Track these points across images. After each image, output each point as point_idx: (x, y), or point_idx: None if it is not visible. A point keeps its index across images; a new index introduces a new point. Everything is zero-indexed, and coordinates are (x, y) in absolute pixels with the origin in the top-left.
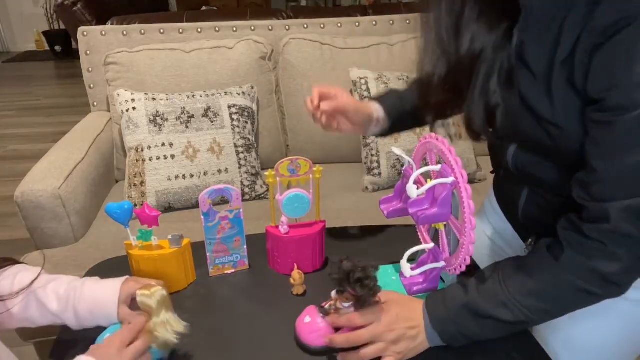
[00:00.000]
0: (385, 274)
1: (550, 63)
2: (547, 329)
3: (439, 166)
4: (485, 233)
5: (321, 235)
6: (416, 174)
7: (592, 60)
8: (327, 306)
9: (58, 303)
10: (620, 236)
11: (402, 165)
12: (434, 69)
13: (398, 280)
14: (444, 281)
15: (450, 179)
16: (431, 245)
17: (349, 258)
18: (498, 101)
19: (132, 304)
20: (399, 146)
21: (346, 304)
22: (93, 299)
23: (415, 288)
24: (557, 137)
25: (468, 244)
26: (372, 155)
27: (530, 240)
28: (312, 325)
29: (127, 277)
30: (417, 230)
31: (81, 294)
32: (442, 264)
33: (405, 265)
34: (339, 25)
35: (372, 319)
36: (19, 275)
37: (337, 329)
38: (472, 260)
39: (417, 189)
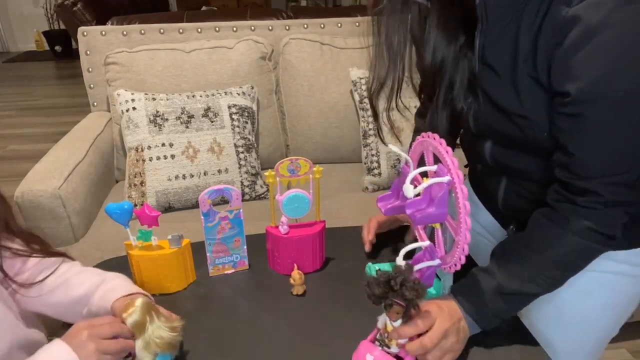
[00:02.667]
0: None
1: (514, 61)
2: (534, 311)
3: (436, 167)
4: None
5: (321, 235)
6: (412, 174)
7: (553, 57)
8: (379, 336)
9: (86, 288)
10: (612, 204)
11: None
12: (387, 73)
13: None
14: (439, 279)
15: (447, 178)
16: (427, 243)
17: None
18: (462, 106)
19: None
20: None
21: (396, 323)
22: (105, 293)
23: None
24: (526, 128)
25: (463, 244)
26: (372, 155)
27: (511, 227)
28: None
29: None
30: (414, 228)
31: (104, 285)
32: (437, 261)
33: (401, 262)
34: (339, 25)
35: (432, 318)
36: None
37: (399, 358)
38: (468, 258)
39: (414, 187)
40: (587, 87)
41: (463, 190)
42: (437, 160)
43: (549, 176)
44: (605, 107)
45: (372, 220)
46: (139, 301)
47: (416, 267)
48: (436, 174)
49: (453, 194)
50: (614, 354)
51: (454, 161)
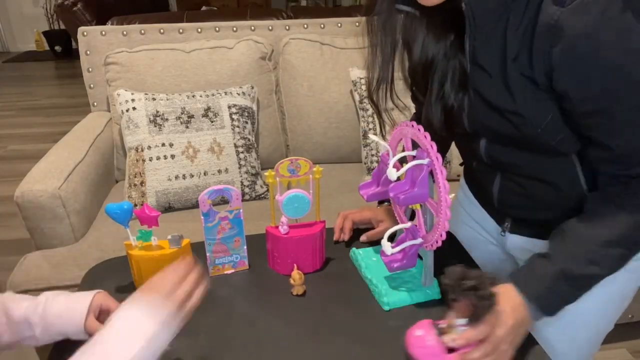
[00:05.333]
0: (366, 256)
1: (503, 62)
2: None
3: (415, 151)
4: (463, 221)
5: (321, 236)
6: (394, 159)
7: (552, 59)
8: (442, 325)
9: (27, 307)
10: None
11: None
12: (382, 72)
13: (379, 260)
14: (421, 258)
15: (427, 160)
16: (409, 224)
17: (464, 267)
18: (454, 103)
19: (101, 316)
20: (377, 134)
21: (461, 321)
22: (64, 303)
23: (395, 265)
24: (520, 125)
25: (444, 221)
26: (372, 155)
27: (506, 223)
28: (421, 341)
29: (97, 290)
30: (395, 212)
31: (53, 299)
32: (419, 240)
33: (386, 243)
34: (339, 25)
35: (489, 327)
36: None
37: (450, 350)
38: (448, 235)
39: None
40: (599, 82)
41: (442, 170)
42: (415, 146)
43: (543, 171)
44: (625, 97)
45: (348, 221)
46: None
47: (400, 247)
48: (416, 157)
49: (433, 175)
50: (614, 354)
51: (433, 145)
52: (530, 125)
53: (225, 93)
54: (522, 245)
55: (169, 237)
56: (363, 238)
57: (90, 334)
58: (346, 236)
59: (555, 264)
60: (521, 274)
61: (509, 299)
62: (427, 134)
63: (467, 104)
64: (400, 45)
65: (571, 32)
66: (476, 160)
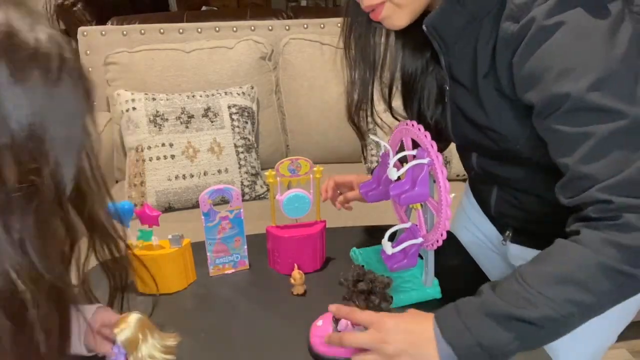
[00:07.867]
0: (367, 255)
1: (474, 78)
2: None
3: (415, 151)
4: (465, 227)
5: (321, 235)
6: (395, 158)
7: (512, 70)
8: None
9: None
10: (626, 209)
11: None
12: (360, 95)
13: (379, 260)
14: (422, 257)
15: (427, 160)
16: (409, 224)
17: (364, 269)
18: (430, 121)
19: (101, 330)
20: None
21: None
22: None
23: (395, 265)
24: (499, 140)
25: (444, 220)
26: (372, 155)
27: (507, 232)
28: (319, 330)
29: (98, 305)
30: (395, 212)
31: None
32: (420, 240)
33: (386, 243)
34: (339, 25)
35: (376, 320)
36: None
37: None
38: (448, 235)
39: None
40: (544, 91)
41: (443, 170)
42: (415, 145)
43: (535, 184)
44: (572, 109)
45: (331, 180)
46: (132, 317)
47: (401, 246)
48: (416, 157)
49: (433, 175)
50: (614, 354)
51: (433, 144)
52: (508, 141)
53: (225, 93)
54: (523, 256)
55: (170, 236)
56: (341, 199)
57: (89, 350)
58: (330, 194)
59: (480, 297)
60: (445, 307)
61: (421, 327)
62: (427, 134)
63: (450, 119)
64: (379, 66)
65: (522, 43)
66: (473, 171)
